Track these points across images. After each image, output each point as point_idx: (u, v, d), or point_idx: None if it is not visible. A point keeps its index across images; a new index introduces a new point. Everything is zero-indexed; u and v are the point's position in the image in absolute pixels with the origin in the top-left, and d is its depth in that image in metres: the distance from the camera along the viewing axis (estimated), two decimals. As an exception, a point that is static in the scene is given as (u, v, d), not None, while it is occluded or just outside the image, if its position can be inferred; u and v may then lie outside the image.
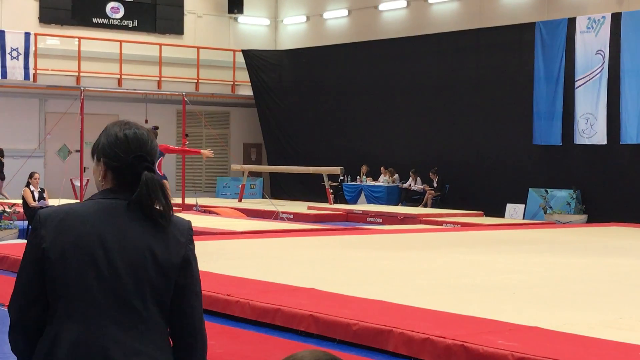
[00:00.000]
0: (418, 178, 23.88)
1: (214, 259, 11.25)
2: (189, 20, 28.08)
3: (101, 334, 2.52)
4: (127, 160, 2.61)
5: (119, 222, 2.58)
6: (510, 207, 21.38)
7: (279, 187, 27.68)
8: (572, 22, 20.33)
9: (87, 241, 2.55)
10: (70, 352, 2.52)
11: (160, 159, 12.97)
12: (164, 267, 2.60)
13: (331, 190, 23.89)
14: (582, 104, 20.07)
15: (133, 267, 2.56)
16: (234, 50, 27.91)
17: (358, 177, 25.16)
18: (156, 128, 13.16)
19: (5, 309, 3.29)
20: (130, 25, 26.95)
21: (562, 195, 20.38)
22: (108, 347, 2.51)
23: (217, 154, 28.56)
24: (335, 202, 24.08)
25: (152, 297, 2.58)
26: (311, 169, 24.30)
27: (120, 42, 25.70)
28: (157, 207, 2.60)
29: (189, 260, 2.68)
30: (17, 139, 24.59)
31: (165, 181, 12.74)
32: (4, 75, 23.60)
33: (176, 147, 13.58)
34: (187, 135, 22.11)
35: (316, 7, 28.36)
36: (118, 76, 25.69)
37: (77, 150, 21.27)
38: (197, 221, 17.51)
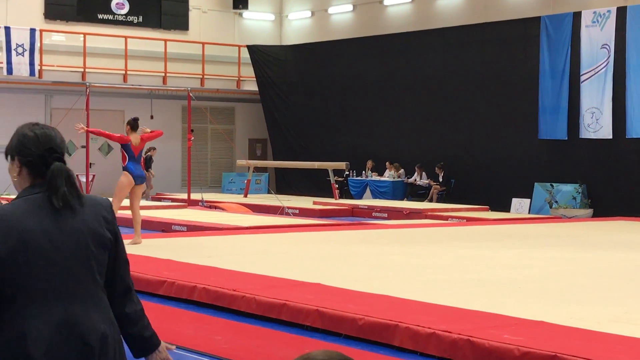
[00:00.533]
0: (423, 173, 23.88)
1: (219, 254, 11.28)
2: (193, 16, 28.08)
3: (67, 314, 2.85)
4: (38, 153, 2.93)
5: (52, 212, 2.89)
6: (515, 202, 21.37)
7: (284, 183, 27.69)
8: (577, 16, 20.29)
9: (31, 235, 2.84)
10: (49, 335, 2.82)
11: (122, 151, 12.85)
12: (101, 242, 2.96)
13: (337, 186, 23.89)
14: (588, 98, 20.04)
15: (77, 247, 2.90)
16: (239, 46, 27.91)
17: (363, 172, 25.16)
18: (136, 120, 13.11)
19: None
20: (135, 21, 26.96)
21: (567, 189, 20.36)
22: (77, 322, 2.86)
23: (223, 149, 28.61)
24: (341, 197, 24.08)
25: (97, 270, 2.94)
26: (316, 164, 24.30)
27: (126, 37, 25.72)
28: (65, 192, 2.91)
29: (117, 233, 3.04)
30: (22, 135, 24.59)
31: (123, 176, 12.53)
32: (10, 71, 23.63)
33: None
34: (192, 130, 22.11)
35: (321, 2, 28.35)
36: (123, 72, 25.70)
37: (82, 146, 21.31)
38: (203, 216, 17.54)
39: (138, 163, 12.76)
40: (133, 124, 12.92)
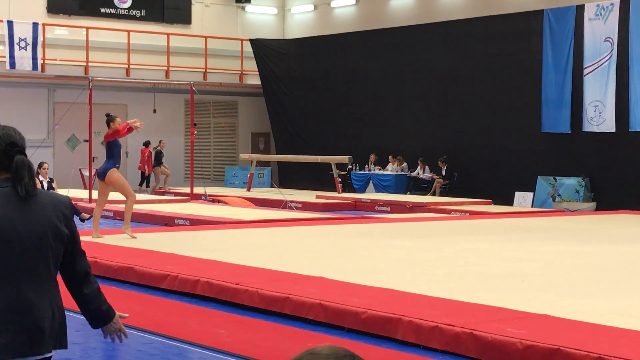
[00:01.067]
0: (426, 167, 23.87)
1: (222, 248, 11.28)
2: (196, 10, 28.06)
3: (22, 298, 3.20)
4: (1, 149, 3.28)
5: (20, 205, 3.24)
6: (518, 195, 21.36)
7: (287, 176, 27.69)
8: (580, 9, 20.25)
9: (1, 226, 3.19)
10: (4, 317, 3.17)
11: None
12: (59, 236, 3.30)
13: (339, 179, 23.89)
14: (591, 91, 20.01)
15: (39, 239, 3.24)
16: (242, 40, 27.89)
17: (366, 166, 25.15)
18: (108, 115, 12.95)
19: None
20: (138, 15, 26.95)
21: (570, 183, 20.35)
22: (31, 306, 3.20)
23: (226, 143, 28.61)
24: (344, 191, 24.08)
25: (53, 260, 3.29)
26: (319, 158, 24.30)
27: (128, 31, 25.71)
28: (28, 183, 3.25)
29: (74, 229, 3.39)
30: (25, 129, 24.33)
31: (113, 170, 12.42)
32: (13, 66, 23.62)
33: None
34: (195, 124, 22.09)
35: (324, -5, 28.33)
36: (126, 66, 25.70)
37: (85, 140, 21.31)
38: (206, 211, 17.54)
39: (107, 158, 12.59)
40: (113, 118, 12.76)
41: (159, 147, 25.22)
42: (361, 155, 24.89)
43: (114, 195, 13.78)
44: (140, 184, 24.89)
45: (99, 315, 3.52)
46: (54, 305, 3.28)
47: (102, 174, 12.52)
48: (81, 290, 3.45)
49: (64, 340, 3.36)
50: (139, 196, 19.85)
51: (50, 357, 3.29)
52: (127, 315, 3.67)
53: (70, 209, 3.40)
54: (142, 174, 25.04)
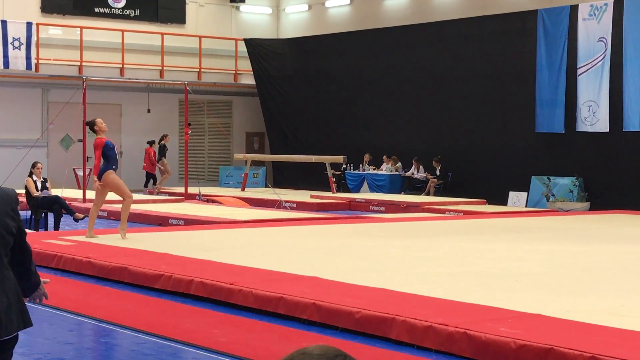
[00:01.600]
0: (421, 166, 23.88)
1: (216, 248, 11.28)
2: (191, 9, 28.04)
3: None
4: None
5: None
6: (512, 195, 21.38)
7: (281, 176, 27.69)
8: (574, 9, 20.28)
9: None
10: None
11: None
12: (9, 229, 3.64)
13: (334, 179, 23.89)
14: (585, 91, 20.04)
15: None
16: (236, 39, 27.88)
17: (361, 165, 25.15)
18: (87, 122, 13.01)
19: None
20: (132, 15, 26.92)
21: (564, 182, 20.37)
22: None
23: (220, 143, 28.60)
24: (338, 190, 24.08)
25: (4, 252, 3.63)
26: (314, 158, 24.29)
27: (122, 31, 25.68)
28: None
29: (20, 221, 3.76)
30: (19, 128, 24.59)
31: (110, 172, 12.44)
32: (6, 65, 23.58)
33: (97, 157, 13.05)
34: (189, 124, 22.07)
35: (318, -5, 28.34)
36: (120, 65, 25.67)
37: (79, 140, 21.28)
38: (200, 210, 17.53)
39: (103, 161, 12.60)
40: (94, 122, 12.77)
41: (163, 142, 25.06)
42: (355, 155, 24.89)
43: (111, 195, 13.77)
44: (146, 185, 24.74)
45: (35, 285, 3.97)
46: (8, 293, 3.59)
47: (99, 175, 12.55)
48: (29, 266, 3.88)
49: (27, 319, 3.69)
50: (137, 196, 19.85)
51: (11, 338, 3.59)
52: (48, 280, 4.13)
53: (17, 202, 3.74)
54: (147, 173, 24.81)
